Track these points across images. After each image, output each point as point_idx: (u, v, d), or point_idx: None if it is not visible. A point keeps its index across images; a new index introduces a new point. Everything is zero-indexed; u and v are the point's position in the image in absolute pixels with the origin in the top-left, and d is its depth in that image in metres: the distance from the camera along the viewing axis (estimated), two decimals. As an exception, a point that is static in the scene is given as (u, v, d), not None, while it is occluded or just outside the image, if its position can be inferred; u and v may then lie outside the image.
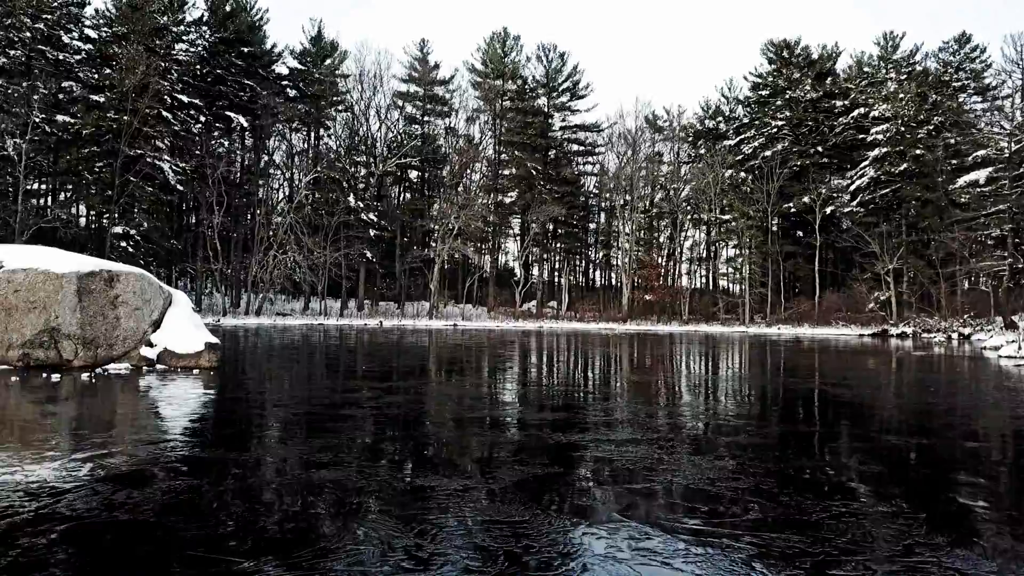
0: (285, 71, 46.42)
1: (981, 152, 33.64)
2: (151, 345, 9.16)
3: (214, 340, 9.39)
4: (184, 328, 9.40)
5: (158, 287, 9.55)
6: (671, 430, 4.90)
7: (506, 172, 50.31)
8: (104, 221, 36.35)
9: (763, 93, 48.23)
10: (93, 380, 7.39)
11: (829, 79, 45.97)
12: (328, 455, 3.73)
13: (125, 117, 33.26)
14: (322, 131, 47.94)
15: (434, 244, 43.28)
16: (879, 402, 7.23)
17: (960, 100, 40.60)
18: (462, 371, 9.92)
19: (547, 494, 3.06)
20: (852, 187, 39.69)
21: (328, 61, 46.47)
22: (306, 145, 48.24)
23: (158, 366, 8.93)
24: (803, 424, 5.60)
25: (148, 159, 34.37)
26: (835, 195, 40.75)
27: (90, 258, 9.77)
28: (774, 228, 43.09)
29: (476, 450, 4.12)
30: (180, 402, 6.00)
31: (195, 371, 8.64)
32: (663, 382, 8.97)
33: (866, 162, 38.60)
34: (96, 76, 35.77)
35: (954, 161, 38.25)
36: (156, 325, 9.36)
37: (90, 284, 8.81)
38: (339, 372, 9.45)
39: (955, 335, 30.73)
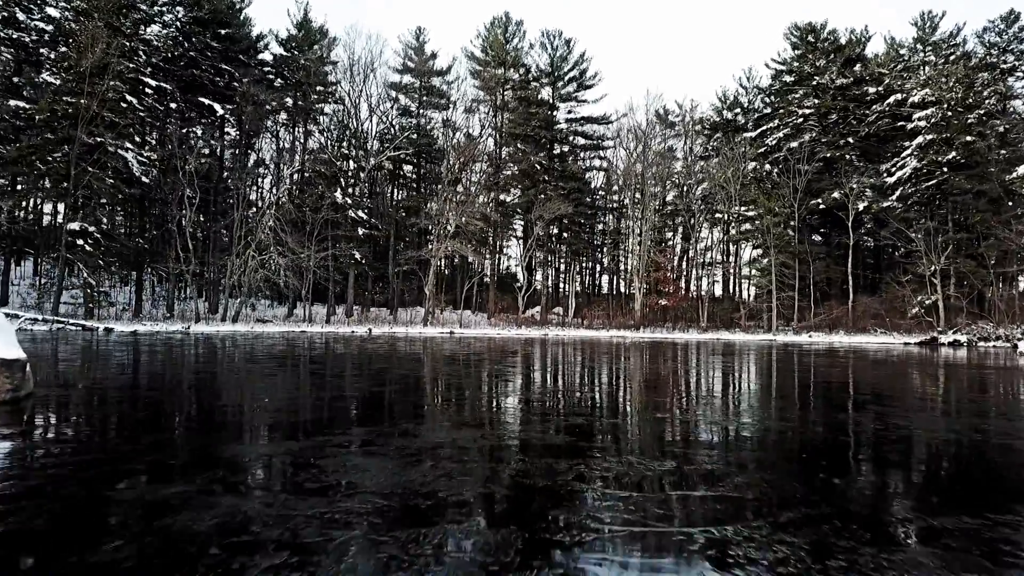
0: (269, 58, 43.04)
1: (1044, 137, 29.87)
2: (-98, 364, 5.47)
3: (16, 355, 5.70)
4: (-35, 336, 5.72)
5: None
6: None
7: (508, 169, 46.74)
8: (49, 216, 32.83)
9: (787, 80, 44.52)
10: None
11: (859, 65, 42.28)
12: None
13: (83, 101, 29.78)
14: (310, 124, 44.48)
15: (430, 245, 39.59)
16: None
17: (1009, 84, 36.87)
18: (444, 401, 6.24)
19: None
20: (891, 180, 35.87)
21: (315, 47, 43.02)
22: (291, 137, 44.77)
23: (-94, 400, 5.25)
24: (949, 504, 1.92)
25: (109, 147, 30.89)
26: (869, 189, 36.97)
27: None
28: (800, 226, 39.24)
29: None
30: None
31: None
32: (728, 418, 5.24)
33: (907, 152, 34.80)
34: (52, 56, 32.37)
35: (1003, 151, 34.49)
36: (-82, 331, 5.68)
37: None
38: (252, 411, 5.75)
39: (1022, 344, 26.87)
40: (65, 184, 30.30)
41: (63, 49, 31.62)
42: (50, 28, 34.74)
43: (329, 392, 6.97)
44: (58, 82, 31.14)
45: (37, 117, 30.47)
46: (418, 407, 5.88)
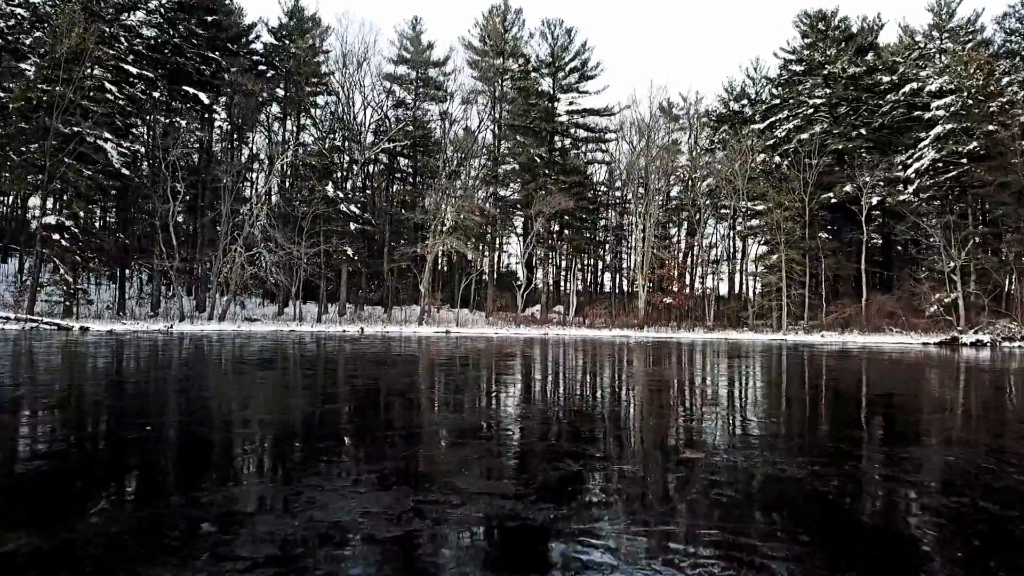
0: (260, 48, 41.51)
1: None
2: None
3: None
4: None
5: None
6: None
7: (507, 162, 45.17)
8: (38, 210, 31.37)
9: (796, 70, 42.83)
10: None
11: (871, 53, 40.62)
12: None
13: (58, 88, 28.27)
14: (302, 116, 42.96)
15: (427, 240, 38.01)
16: None
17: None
18: (393, 430, 4.76)
19: None
20: (907, 173, 34.23)
21: (307, 36, 41.45)
22: (282, 130, 43.25)
23: None
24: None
25: (88, 138, 29.38)
26: (884, 182, 35.34)
27: None
28: (810, 221, 37.59)
29: None
30: None
31: None
32: (782, 461, 3.76)
33: (924, 143, 33.16)
34: (27, 42, 30.91)
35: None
36: None
37: None
38: (112, 449, 4.29)
39: (1051, 344, 25.31)
40: (40, 176, 28.83)
41: (38, 34, 30.12)
42: (27, 14, 33.28)
43: (255, 411, 5.49)
44: (33, 69, 29.67)
45: (11, 106, 29.02)
46: (352, 441, 4.37)
